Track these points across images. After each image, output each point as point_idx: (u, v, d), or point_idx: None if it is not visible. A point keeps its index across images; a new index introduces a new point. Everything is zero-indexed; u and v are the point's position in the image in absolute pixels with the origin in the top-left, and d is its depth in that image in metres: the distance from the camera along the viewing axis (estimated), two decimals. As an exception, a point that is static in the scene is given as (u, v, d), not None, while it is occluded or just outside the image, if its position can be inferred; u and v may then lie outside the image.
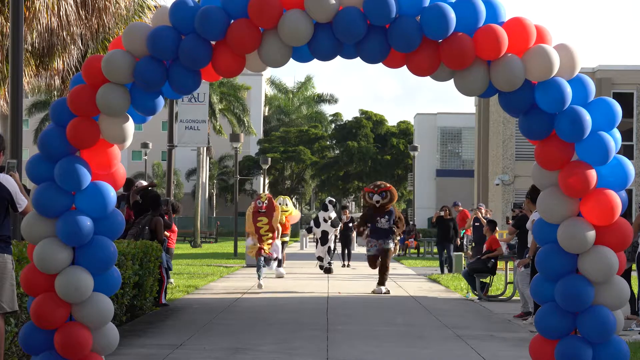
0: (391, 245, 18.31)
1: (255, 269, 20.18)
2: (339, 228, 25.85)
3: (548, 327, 6.82)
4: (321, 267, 24.11)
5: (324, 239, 24.08)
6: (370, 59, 6.73)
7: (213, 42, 6.67)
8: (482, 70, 6.62)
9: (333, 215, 24.37)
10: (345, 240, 29.07)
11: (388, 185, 18.78)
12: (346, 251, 28.97)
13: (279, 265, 22.03)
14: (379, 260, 18.27)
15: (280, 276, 22.07)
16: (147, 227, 14.23)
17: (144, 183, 18.24)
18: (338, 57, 6.87)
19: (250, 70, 7.08)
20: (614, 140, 6.69)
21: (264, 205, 19.26)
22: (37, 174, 6.88)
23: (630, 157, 35.18)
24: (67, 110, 6.77)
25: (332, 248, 24.70)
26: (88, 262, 6.84)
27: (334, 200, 25.47)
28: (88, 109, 6.72)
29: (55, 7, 18.68)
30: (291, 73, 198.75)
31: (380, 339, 11.39)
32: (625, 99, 35.58)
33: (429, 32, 6.50)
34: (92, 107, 6.70)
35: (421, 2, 6.49)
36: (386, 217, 18.31)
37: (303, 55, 6.81)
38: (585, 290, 6.67)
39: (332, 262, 24.60)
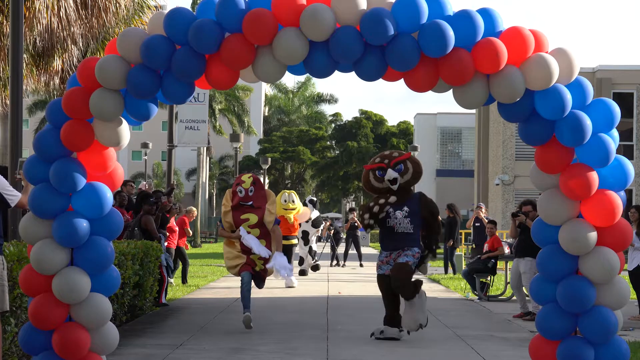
0: (410, 257, 10.71)
1: None
2: (321, 228, 24.98)
3: (549, 328, 6.82)
4: (302, 273, 22.83)
5: (304, 239, 22.72)
6: (367, 77, 6.63)
7: (207, 55, 6.61)
8: (481, 84, 6.55)
9: (314, 214, 23.00)
10: (353, 240, 29.26)
11: (404, 152, 11.19)
12: (355, 252, 29.30)
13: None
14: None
15: (290, 286, 19.42)
16: (136, 228, 14.27)
17: (147, 186, 18.25)
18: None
19: (244, 80, 7.04)
20: (613, 140, 6.69)
21: (248, 192, 11.76)
22: (33, 175, 6.88)
23: (630, 157, 35.13)
24: (62, 112, 6.75)
25: (314, 249, 23.95)
26: (85, 262, 6.84)
27: (315, 199, 24.13)
28: (82, 112, 6.70)
29: (55, 7, 18.68)
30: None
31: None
32: (625, 99, 35.52)
33: (428, 51, 6.42)
34: (86, 110, 6.68)
35: (418, 20, 6.40)
36: (405, 208, 10.78)
37: (298, 69, 6.73)
38: (586, 291, 6.67)
39: (318, 262, 23.62)
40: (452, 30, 6.37)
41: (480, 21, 6.45)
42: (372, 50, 6.49)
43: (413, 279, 10.62)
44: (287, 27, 6.45)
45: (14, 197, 7.74)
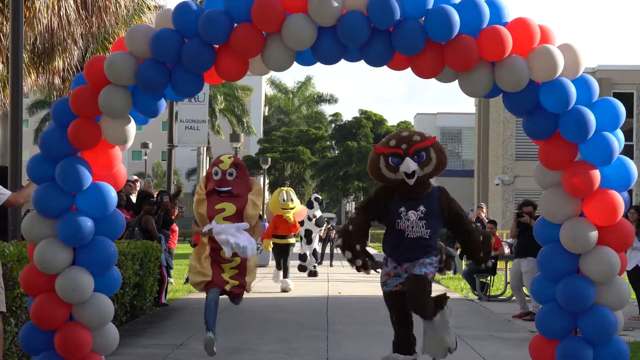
0: (429, 268, 7.91)
1: None
2: (324, 228, 24.35)
3: (549, 327, 6.83)
4: (302, 268, 22.08)
5: (307, 238, 22.12)
6: (374, 62, 6.71)
7: (216, 46, 6.67)
8: (486, 72, 6.61)
9: (318, 213, 22.45)
10: None
11: (427, 136, 8.05)
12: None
13: (285, 275, 18.39)
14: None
15: (285, 289, 18.23)
16: (136, 228, 14.29)
17: (135, 178, 18.27)
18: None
19: (253, 73, 7.07)
20: (617, 140, 6.70)
21: (226, 175, 9.12)
22: (38, 174, 6.89)
23: (630, 157, 34.94)
24: (69, 111, 6.77)
25: (317, 250, 23.24)
26: (88, 262, 6.85)
27: (320, 197, 23.46)
28: (90, 110, 6.72)
29: (56, 7, 18.68)
30: (291, 73, 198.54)
31: (381, 339, 11.37)
32: (625, 99, 35.53)
33: (433, 35, 6.49)
34: (94, 108, 6.70)
35: (425, 5, 6.48)
36: (421, 208, 8.01)
37: (306, 58, 6.79)
38: (586, 290, 6.67)
39: (316, 265, 23.39)
40: (457, 15, 6.43)
41: (486, 9, 6.51)
42: (379, 35, 6.55)
43: (435, 294, 8.09)
44: (296, 12, 6.51)
45: (2, 195, 7.74)
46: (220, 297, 9.24)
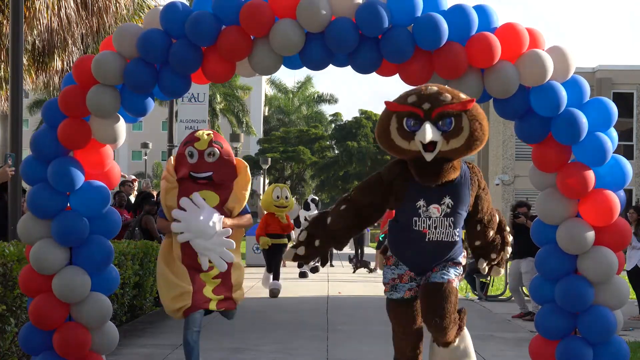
0: (454, 272, 6.22)
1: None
2: None
3: (548, 327, 6.83)
4: (302, 275, 21.73)
5: None
6: (362, 69, 6.66)
7: (204, 47, 6.65)
8: (475, 79, 6.57)
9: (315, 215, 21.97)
10: (359, 239, 27.51)
11: (463, 98, 6.08)
12: (359, 251, 28.50)
13: (276, 277, 17.01)
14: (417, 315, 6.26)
15: (274, 294, 16.91)
16: (137, 228, 14.32)
17: (133, 177, 18.29)
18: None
19: (241, 75, 7.04)
20: (610, 139, 6.69)
21: (204, 156, 7.33)
22: (31, 175, 6.88)
23: (630, 157, 35.11)
24: (59, 111, 6.76)
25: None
26: (85, 261, 6.84)
27: (317, 199, 23.41)
28: (79, 110, 6.70)
29: (56, 7, 18.68)
30: (291, 73, 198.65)
31: (381, 339, 11.38)
32: (625, 99, 35.50)
33: (422, 43, 6.45)
34: (83, 107, 6.68)
35: (413, 13, 6.44)
36: (447, 200, 6.04)
37: (294, 63, 6.77)
38: (585, 290, 6.67)
39: (317, 264, 23.50)
40: (446, 23, 6.40)
41: (474, 16, 6.48)
42: (367, 42, 6.52)
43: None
44: (284, 18, 6.49)
45: None
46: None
